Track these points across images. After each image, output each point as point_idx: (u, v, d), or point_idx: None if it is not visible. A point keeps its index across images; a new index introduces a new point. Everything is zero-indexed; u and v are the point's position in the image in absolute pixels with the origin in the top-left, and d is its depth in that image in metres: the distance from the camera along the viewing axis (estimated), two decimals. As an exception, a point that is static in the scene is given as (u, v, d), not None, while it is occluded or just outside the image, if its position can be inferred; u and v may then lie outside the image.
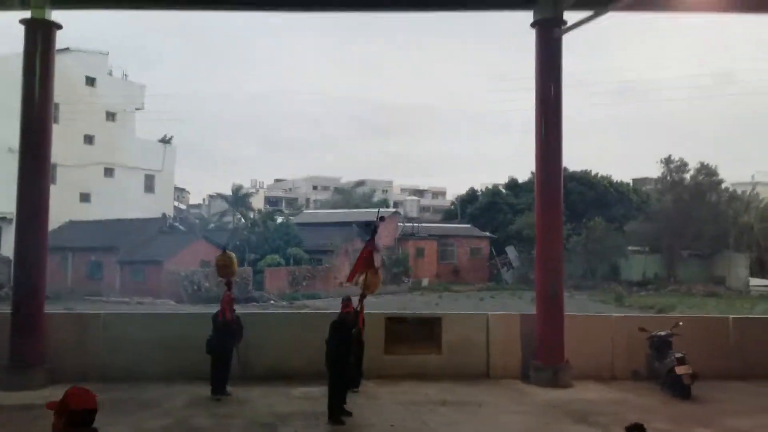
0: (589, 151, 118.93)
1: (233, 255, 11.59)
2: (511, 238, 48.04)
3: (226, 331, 10.77)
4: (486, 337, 12.82)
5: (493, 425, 9.01)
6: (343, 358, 9.56)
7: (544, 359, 12.18)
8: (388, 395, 11.14)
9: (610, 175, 54.87)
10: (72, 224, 41.15)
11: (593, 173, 54.31)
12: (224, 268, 11.34)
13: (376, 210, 54.72)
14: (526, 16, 12.71)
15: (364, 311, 10.89)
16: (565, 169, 51.94)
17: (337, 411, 9.47)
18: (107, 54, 48.54)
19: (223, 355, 10.78)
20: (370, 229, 10.60)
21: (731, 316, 14.41)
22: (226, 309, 10.85)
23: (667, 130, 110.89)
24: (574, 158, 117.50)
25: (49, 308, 13.30)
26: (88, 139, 45.41)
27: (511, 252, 48.16)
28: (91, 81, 46.24)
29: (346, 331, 9.73)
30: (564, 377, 12.05)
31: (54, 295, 32.29)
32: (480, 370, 12.66)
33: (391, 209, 58.10)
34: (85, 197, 44.88)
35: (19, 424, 9.18)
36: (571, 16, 12.43)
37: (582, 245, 44.88)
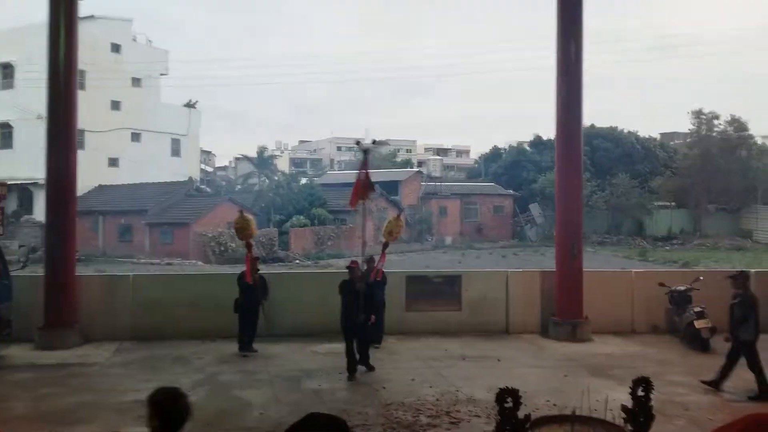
0: (618, 106, 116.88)
1: (250, 217, 11.56)
2: (535, 196, 47.76)
3: (250, 291, 11.09)
4: (505, 294, 13.00)
5: (510, 378, 9.16)
6: (351, 317, 9.66)
7: (563, 315, 12.34)
8: (409, 351, 11.43)
9: (637, 131, 53.95)
10: (101, 188, 41.84)
11: (620, 129, 53.44)
12: (241, 231, 11.36)
13: (397, 170, 54.69)
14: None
15: (384, 267, 11.20)
16: (592, 125, 51.71)
17: (350, 367, 9.75)
18: (131, 21, 48.39)
19: (248, 313, 11.16)
20: (364, 156, 10.50)
21: (753, 270, 14.32)
22: (248, 270, 11.13)
23: (701, 85, 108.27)
24: (602, 114, 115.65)
25: (81, 270, 13.76)
26: (115, 105, 45.67)
27: (534, 209, 47.95)
28: (116, 48, 46.22)
29: (350, 289, 9.77)
30: (583, 332, 12.22)
31: (86, 258, 33.26)
32: (500, 326, 12.88)
33: (414, 168, 58.04)
34: (113, 162, 45.37)
35: (54, 382, 9.63)
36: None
37: (606, 201, 44.54)
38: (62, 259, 12.04)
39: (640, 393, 4.65)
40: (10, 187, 37.98)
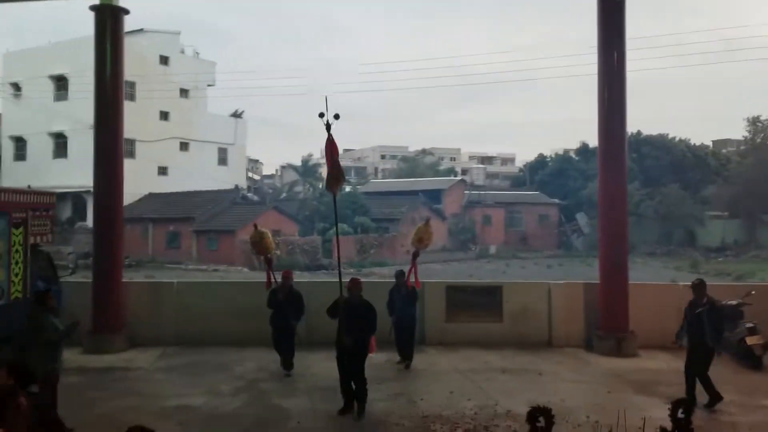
0: (669, 113, 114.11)
1: (265, 231, 10.94)
2: (581, 205, 46.99)
3: (279, 308, 10.45)
4: (548, 306, 12.78)
5: (551, 393, 9.02)
6: (338, 340, 8.55)
7: (608, 328, 12.05)
8: (449, 362, 11.32)
9: (688, 139, 52.72)
10: (151, 196, 42.96)
11: (670, 136, 52.20)
12: (256, 245, 10.81)
13: (440, 179, 54.41)
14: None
15: (420, 276, 11.09)
16: (640, 132, 50.57)
17: (344, 400, 8.55)
18: (179, 33, 49.69)
19: (278, 331, 10.54)
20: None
21: (810, 285, 13.76)
22: (268, 280, 10.61)
23: (758, 91, 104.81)
24: (651, 120, 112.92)
25: (132, 276, 14.08)
26: (164, 115, 46.89)
27: (581, 218, 47.14)
28: (164, 60, 47.49)
29: (334, 308, 8.72)
30: (628, 346, 11.89)
31: (137, 263, 34.14)
32: (542, 339, 12.67)
33: (458, 177, 57.72)
34: (162, 170, 46.54)
35: (100, 386, 9.88)
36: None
37: (655, 211, 43.47)
38: (109, 265, 12.37)
39: (680, 415, 4.47)
40: (65, 195, 39.47)
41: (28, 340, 7.68)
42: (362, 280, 9.49)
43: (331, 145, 8.23)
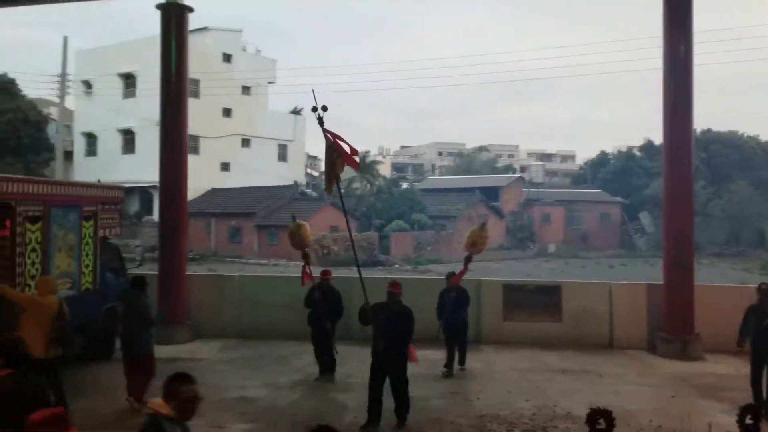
0: (740, 109, 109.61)
1: (303, 224, 10.21)
2: (645, 203, 45.69)
3: (314, 308, 10.04)
4: (609, 307, 12.50)
5: (613, 395, 8.84)
6: (374, 344, 8.03)
7: (672, 331, 11.70)
8: (506, 361, 11.22)
9: (758, 135, 50.54)
10: (214, 191, 43.99)
11: (740, 133, 50.20)
12: (292, 237, 10.13)
13: (498, 176, 53.79)
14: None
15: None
16: (709, 130, 48.75)
17: (370, 414, 7.98)
18: (241, 31, 50.59)
19: (316, 333, 10.13)
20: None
21: None
22: (303, 277, 10.00)
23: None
24: (721, 118, 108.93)
25: (195, 269, 14.46)
26: (227, 112, 47.83)
27: (644, 217, 45.84)
28: (227, 57, 48.42)
29: (364, 315, 8.32)
30: (693, 350, 11.53)
31: (200, 257, 35.10)
32: (603, 340, 12.41)
33: (516, 174, 56.96)
34: (225, 166, 47.47)
35: (165, 375, 10.16)
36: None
37: (723, 210, 41.86)
38: (174, 258, 12.77)
39: (747, 421, 4.30)
40: (133, 190, 40.81)
41: (131, 321, 8.02)
42: (413, 277, 9.49)
43: (335, 139, 7.70)
